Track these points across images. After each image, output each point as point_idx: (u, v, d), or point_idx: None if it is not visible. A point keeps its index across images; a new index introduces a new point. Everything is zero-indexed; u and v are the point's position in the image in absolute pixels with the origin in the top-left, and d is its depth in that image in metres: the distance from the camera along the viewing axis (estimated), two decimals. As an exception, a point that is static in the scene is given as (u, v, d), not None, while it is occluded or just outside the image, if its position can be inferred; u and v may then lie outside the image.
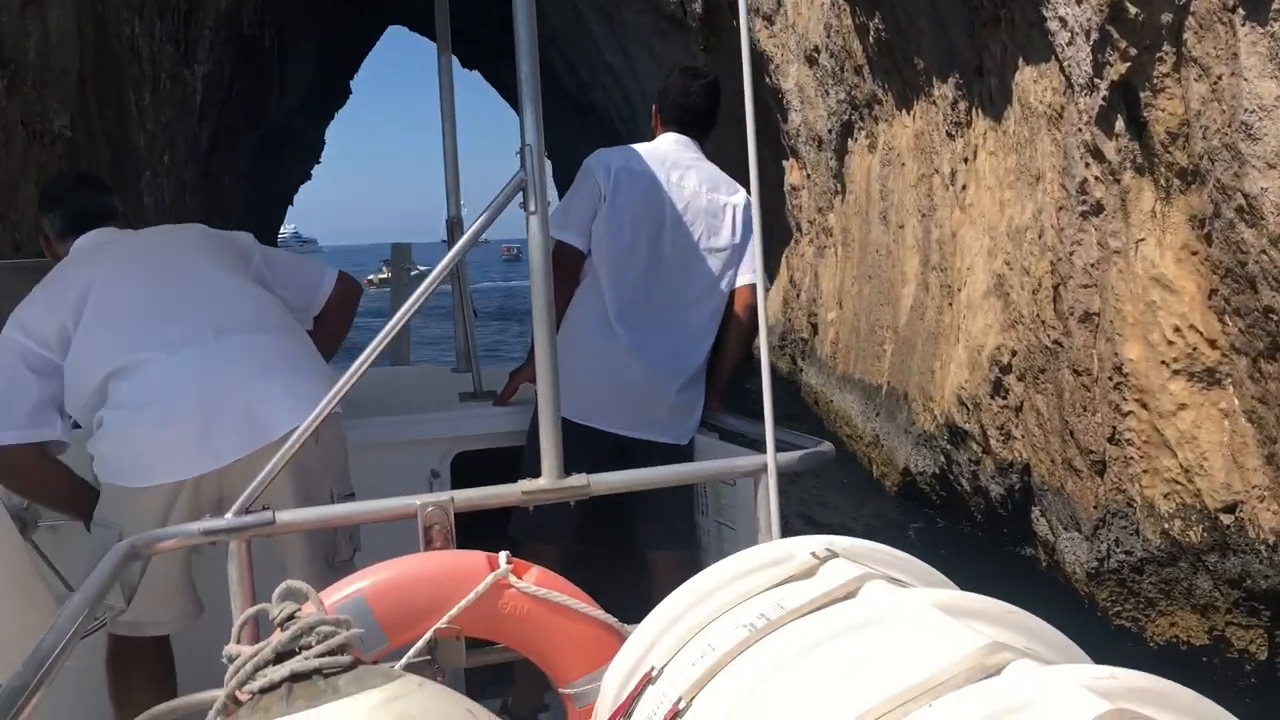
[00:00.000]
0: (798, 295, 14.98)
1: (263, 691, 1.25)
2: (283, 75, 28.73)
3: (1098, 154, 5.86)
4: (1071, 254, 6.15)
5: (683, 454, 3.22)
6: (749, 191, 2.33)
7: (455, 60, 4.11)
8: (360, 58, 38.57)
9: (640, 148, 3.39)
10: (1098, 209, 5.92)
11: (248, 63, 24.06)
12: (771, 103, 14.53)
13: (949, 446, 8.10)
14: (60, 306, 2.65)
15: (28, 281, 2.78)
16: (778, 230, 16.50)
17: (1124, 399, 5.78)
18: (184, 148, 21.12)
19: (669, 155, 3.35)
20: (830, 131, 12.17)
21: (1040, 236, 6.62)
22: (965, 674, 1.06)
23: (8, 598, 2.14)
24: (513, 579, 1.92)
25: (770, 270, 17.15)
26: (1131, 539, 5.84)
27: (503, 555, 1.96)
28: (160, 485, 2.52)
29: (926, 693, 1.05)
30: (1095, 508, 6.07)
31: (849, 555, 1.46)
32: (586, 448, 2.69)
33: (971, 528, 8.09)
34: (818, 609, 1.31)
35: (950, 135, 8.50)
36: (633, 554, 3.37)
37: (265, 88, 27.40)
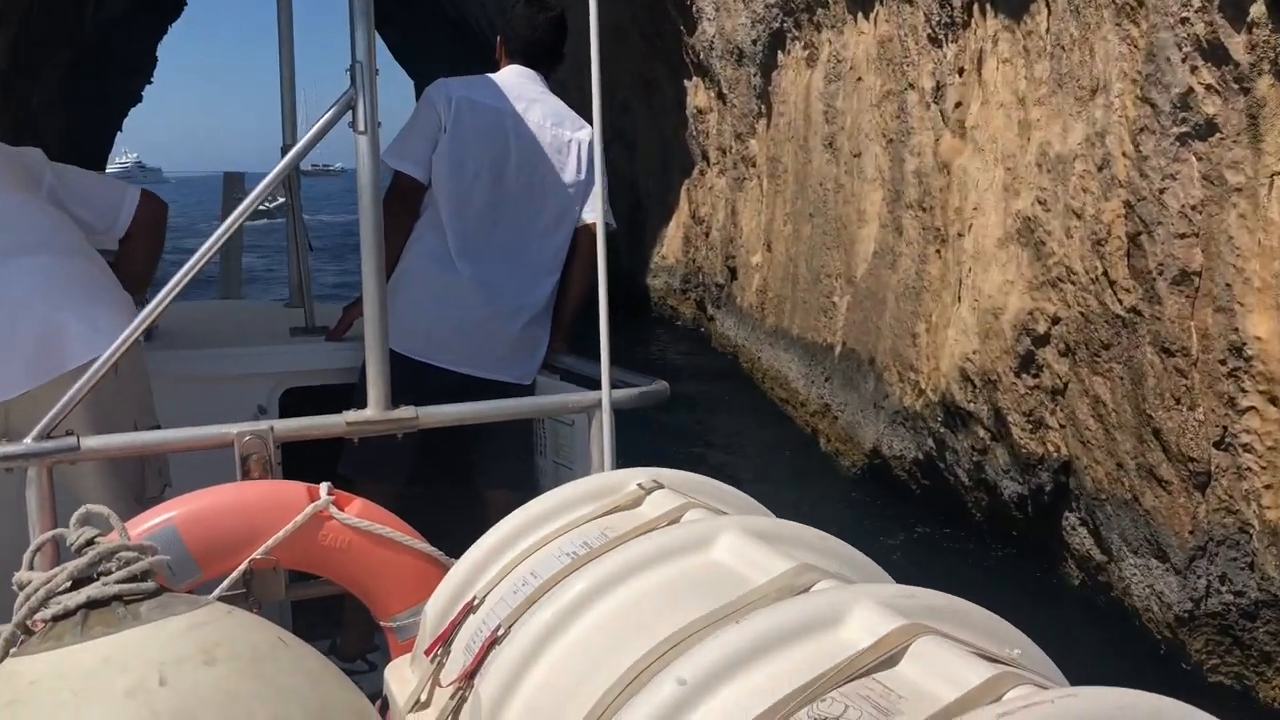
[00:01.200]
0: (706, 233, 13.29)
1: (56, 620, 1.21)
2: (100, -23, 25.20)
3: (1215, 52, 4.25)
4: (1161, 192, 4.56)
5: (525, 394, 3.18)
6: (593, 123, 2.23)
7: None
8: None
9: (482, 79, 3.31)
10: (1207, 130, 4.33)
11: (56, -39, 20.75)
12: (675, 11, 12.63)
13: (942, 429, 6.55)
14: None
15: None
16: (678, 159, 14.77)
17: (1242, 391, 4.27)
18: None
19: (513, 87, 3.29)
20: (755, 43, 10.39)
21: (1101, 169, 5.01)
22: (775, 594, 1.14)
23: None
24: (334, 510, 1.90)
25: (668, 204, 15.43)
26: (1243, 575, 4.37)
27: (324, 486, 1.93)
28: None
29: (737, 611, 1.11)
30: (1191, 532, 4.57)
31: (675, 486, 1.52)
32: (427, 387, 2.60)
33: (964, 529, 6.59)
34: (639, 536, 1.34)
35: (935, 41, 6.81)
36: (471, 496, 3.30)
37: (77, -8, 23.95)
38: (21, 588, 1.24)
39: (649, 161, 16.49)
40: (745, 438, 9.79)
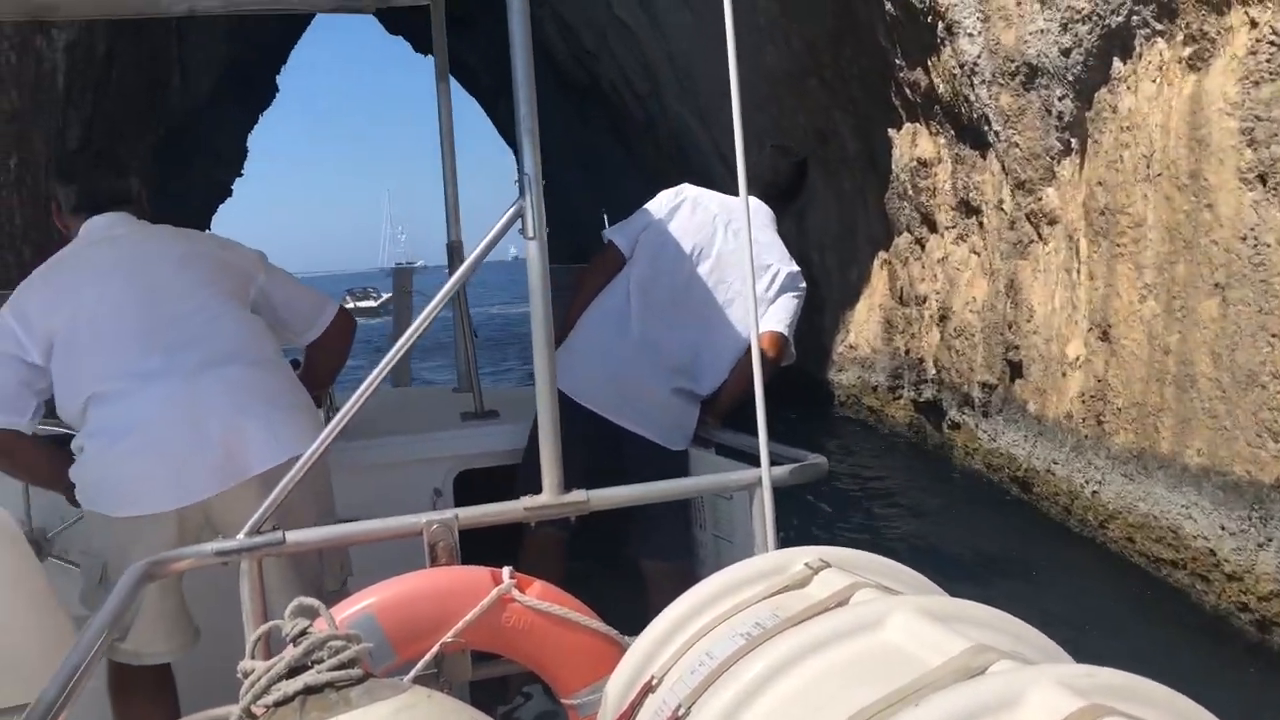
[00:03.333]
0: (936, 318, 10.27)
1: (277, 705, 1.31)
2: (183, 58, 23.22)
3: None
4: None
5: (674, 461, 3.32)
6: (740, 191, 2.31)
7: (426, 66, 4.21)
8: (287, 46, 32.66)
9: (717, 195, 3.58)
10: None
11: (133, 36, 18.74)
12: (887, 41, 9.85)
13: None
14: (53, 310, 2.68)
15: None
16: (867, 227, 12.00)
17: None
18: (42, 148, 15.87)
19: (735, 208, 3.46)
20: (1067, 53, 7.44)
21: None
22: (951, 675, 1.13)
23: (28, 619, 2.19)
24: (516, 594, 2.01)
25: (852, 282, 12.59)
26: None
27: (506, 571, 2.04)
28: (140, 516, 2.57)
29: (915, 693, 1.10)
30: None
31: (842, 565, 1.54)
32: (577, 426, 2.79)
33: None
34: (811, 617, 1.38)
35: None
36: (629, 563, 3.40)
37: (160, 72, 21.98)
38: (246, 675, 1.36)
39: (824, 231, 13.78)
40: (1105, 615, 6.55)
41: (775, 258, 3.50)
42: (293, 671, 1.32)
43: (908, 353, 11.36)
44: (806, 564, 1.53)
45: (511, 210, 2.14)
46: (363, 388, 2.10)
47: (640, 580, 3.41)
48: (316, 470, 2.48)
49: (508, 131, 34.16)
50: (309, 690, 1.29)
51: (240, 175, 32.93)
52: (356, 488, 2.90)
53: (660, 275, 3.43)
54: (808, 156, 3.65)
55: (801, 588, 1.50)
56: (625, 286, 3.44)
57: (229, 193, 33.01)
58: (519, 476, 3.13)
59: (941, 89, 9.47)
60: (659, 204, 3.54)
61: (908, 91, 10.38)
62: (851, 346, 13.13)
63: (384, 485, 3.10)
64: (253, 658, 1.40)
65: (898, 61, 10.39)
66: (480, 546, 2.24)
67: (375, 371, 2.11)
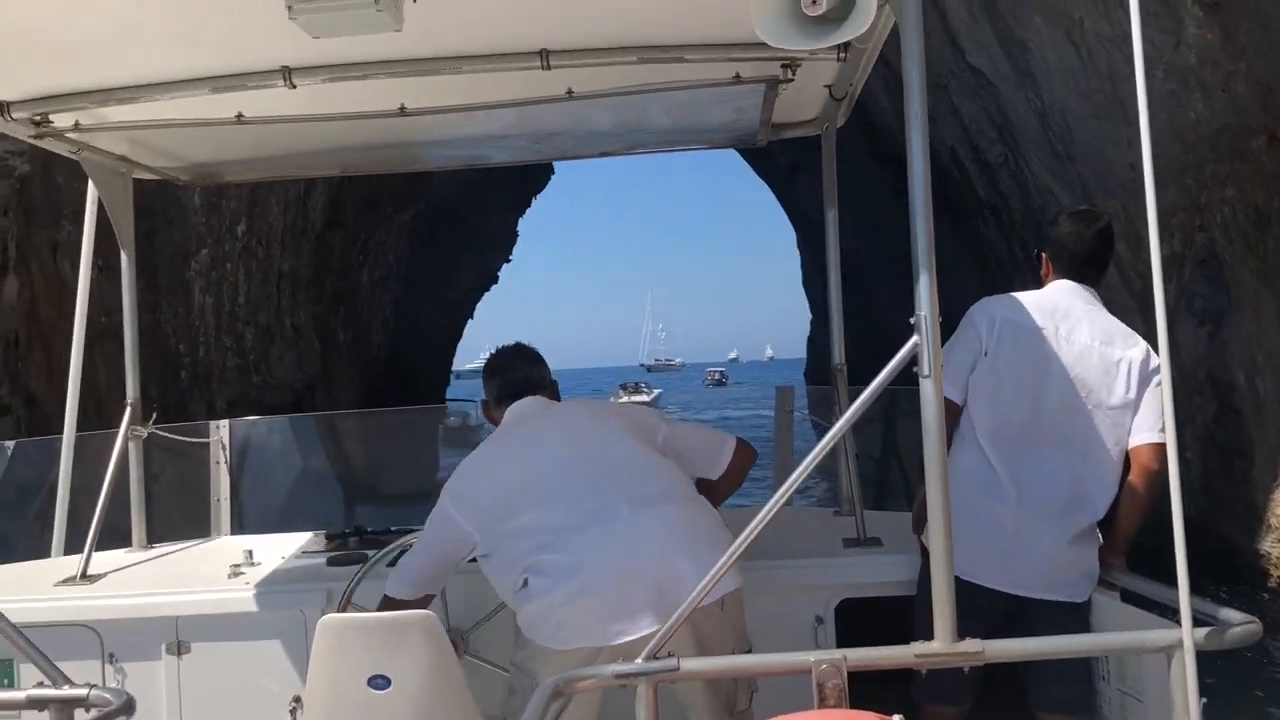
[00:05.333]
0: None
1: None
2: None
3: None
4: None
5: (1078, 613, 3.15)
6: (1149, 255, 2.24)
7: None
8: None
9: (1027, 298, 3.36)
10: None
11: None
12: None
13: None
14: (490, 486, 2.96)
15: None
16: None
17: None
18: (279, 216, 13.78)
19: (1059, 306, 3.30)
20: None
21: None
22: None
23: (450, 711, 2.62)
24: None
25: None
26: None
27: (896, 719, 2.02)
28: (579, 649, 2.74)
29: None
30: None
31: None
32: (974, 606, 2.66)
33: None
34: None
35: None
36: (1024, 713, 3.29)
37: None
38: None
39: (1256, 347, 10.09)
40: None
41: (1121, 346, 3.25)
42: None
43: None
44: None
45: (906, 348, 2.17)
46: (764, 512, 2.24)
47: None
48: (736, 602, 2.82)
49: (816, 258, 31.25)
50: None
51: (508, 261, 31.33)
52: None
53: (1008, 415, 3.20)
54: (1109, 223, 3.40)
55: None
56: (974, 442, 3.21)
57: (494, 279, 31.41)
58: (914, 616, 3.12)
59: None
60: (972, 335, 3.26)
61: None
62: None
63: (766, 608, 3.14)
64: None
65: None
66: (868, 682, 2.26)
67: (778, 495, 2.26)
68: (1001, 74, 15.20)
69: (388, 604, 2.99)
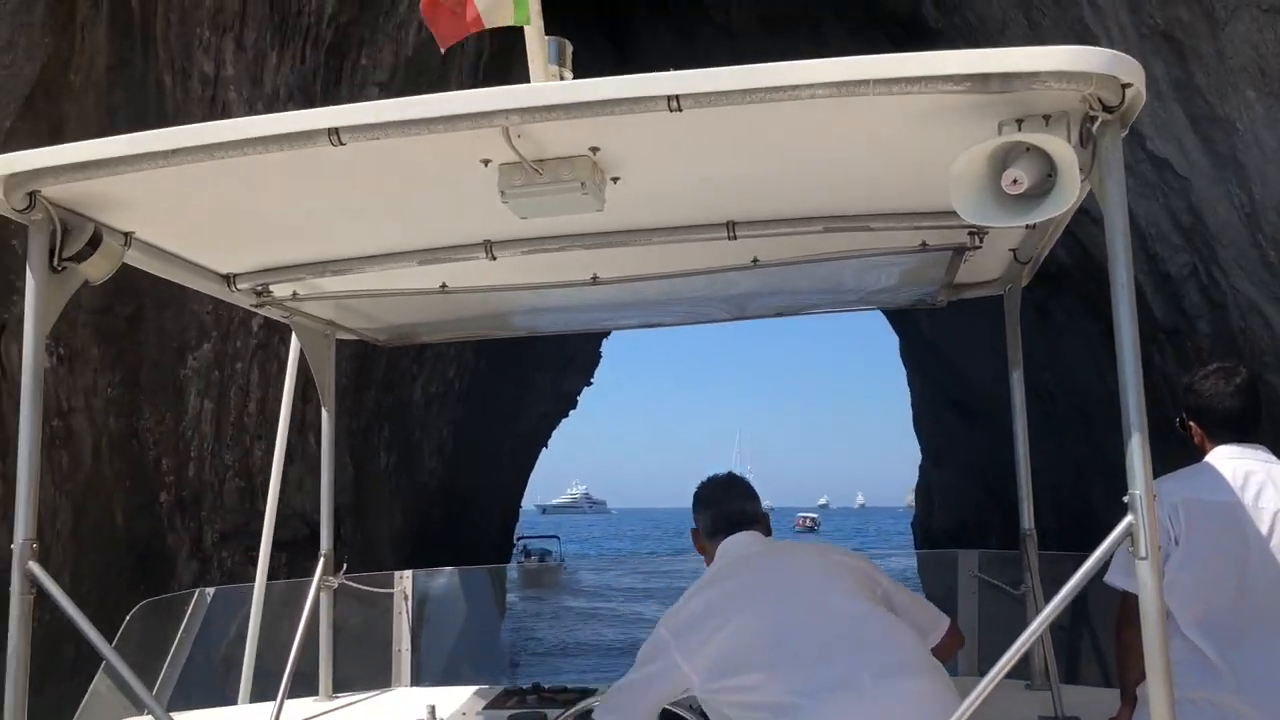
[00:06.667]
0: None
1: None
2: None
3: None
4: None
5: None
6: None
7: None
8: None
9: (1202, 472, 3.23)
10: None
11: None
12: None
13: None
14: (714, 629, 2.79)
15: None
16: None
17: None
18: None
19: (1236, 473, 3.15)
20: None
21: None
22: None
23: None
24: None
25: None
26: None
27: None
28: None
29: None
30: None
31: None
32: None
33: None
34: None
35: None
36: None
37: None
38: None
39: None
40: None
41: None
42: None
43: None
44: None
45: (1120, 529, 2.11)
46: (981, 687, 2.18)
47: None
48: None
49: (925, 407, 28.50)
50: None
51: (589, 384, 28.67)
52: None
53: (1214, 601, 3.06)
54: (1249, 376, 3.20)
55: None
56: (1179, 633, 3.06)
57: (573, 404, 28.70)
58: None
59: None
60: (1159, 528, 2.96)
61: None
62: None
63: None
64: None
65: None
66: None
67: (996, 670, 2.18)
68: (1194, 164, 12.20)
69: None
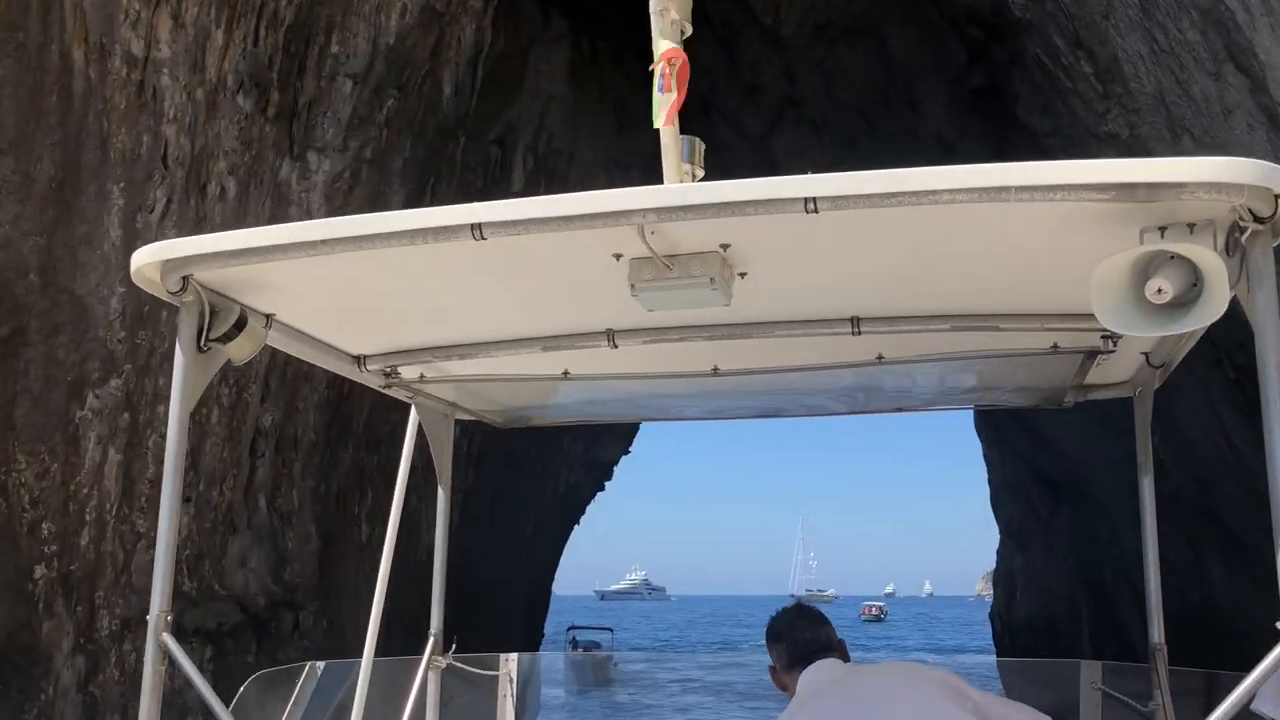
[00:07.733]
0: None
1: None
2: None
3: None
4: None
5: None
6: None
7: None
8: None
9: None
10: None
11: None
12: None
13: None
14: None
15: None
16: None
17: None
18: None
19: None
20: None
21: None
22: None
23: None
24: None
25: None
26: None
27: None
28: None
29: None
30: None
31: None
32: None
33: None
34: None
35: None
36: None
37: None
38: None
39: None
40: None
41: None
42: None
43: None
44: None
45: (1275, 655, 2.01)
46: None
47: None
48: None
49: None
50: None
51: (627, 453, 25.84)
52: None
53: None
54: None
55: None
56: None
57: (609, 475, 25.78)
58: None
59: None
60: None
61: None
62: None
63: None
64: None
65: None
66: None
67: None
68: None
69: None
